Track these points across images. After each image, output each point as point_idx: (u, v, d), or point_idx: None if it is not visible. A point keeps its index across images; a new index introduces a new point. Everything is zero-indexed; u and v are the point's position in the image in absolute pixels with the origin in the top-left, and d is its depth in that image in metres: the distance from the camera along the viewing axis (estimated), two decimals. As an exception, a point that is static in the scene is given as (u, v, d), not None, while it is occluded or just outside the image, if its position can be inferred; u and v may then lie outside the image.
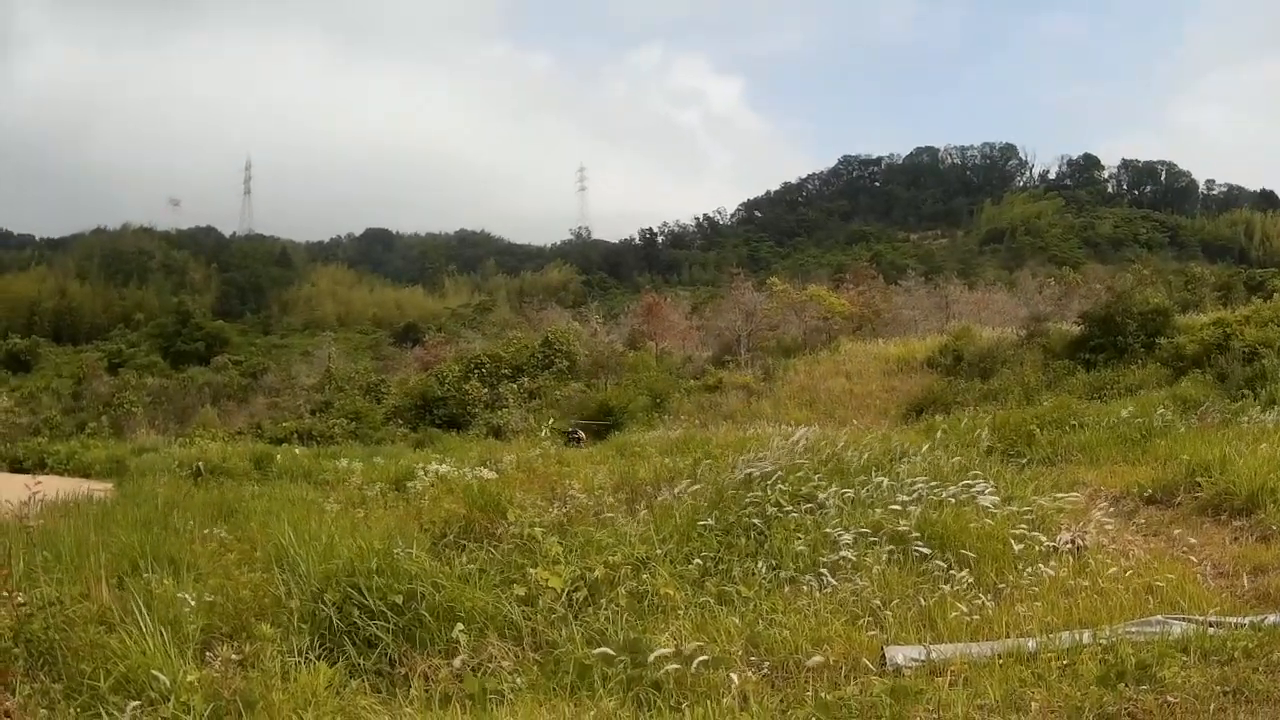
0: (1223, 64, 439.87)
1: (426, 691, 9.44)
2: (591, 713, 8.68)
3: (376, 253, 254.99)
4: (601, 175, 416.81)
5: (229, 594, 12.21)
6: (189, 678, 9.01)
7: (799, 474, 16.76)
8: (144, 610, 10.26)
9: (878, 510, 14.91)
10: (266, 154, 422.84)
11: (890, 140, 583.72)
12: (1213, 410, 31.58)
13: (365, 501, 23.45)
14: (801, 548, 13.46)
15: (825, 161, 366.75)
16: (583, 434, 18.90)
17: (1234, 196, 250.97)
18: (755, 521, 14.61)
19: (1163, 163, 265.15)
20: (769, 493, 15.59)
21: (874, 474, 17.03)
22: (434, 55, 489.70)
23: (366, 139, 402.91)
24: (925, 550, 13.20)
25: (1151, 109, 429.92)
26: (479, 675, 9.79)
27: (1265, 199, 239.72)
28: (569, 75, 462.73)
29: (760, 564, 13.11)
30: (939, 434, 25.12)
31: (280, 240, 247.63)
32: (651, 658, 9.44)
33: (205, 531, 18.02)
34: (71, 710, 8.94)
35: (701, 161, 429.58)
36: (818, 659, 9.74)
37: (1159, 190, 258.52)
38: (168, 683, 8.92)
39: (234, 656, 10.02)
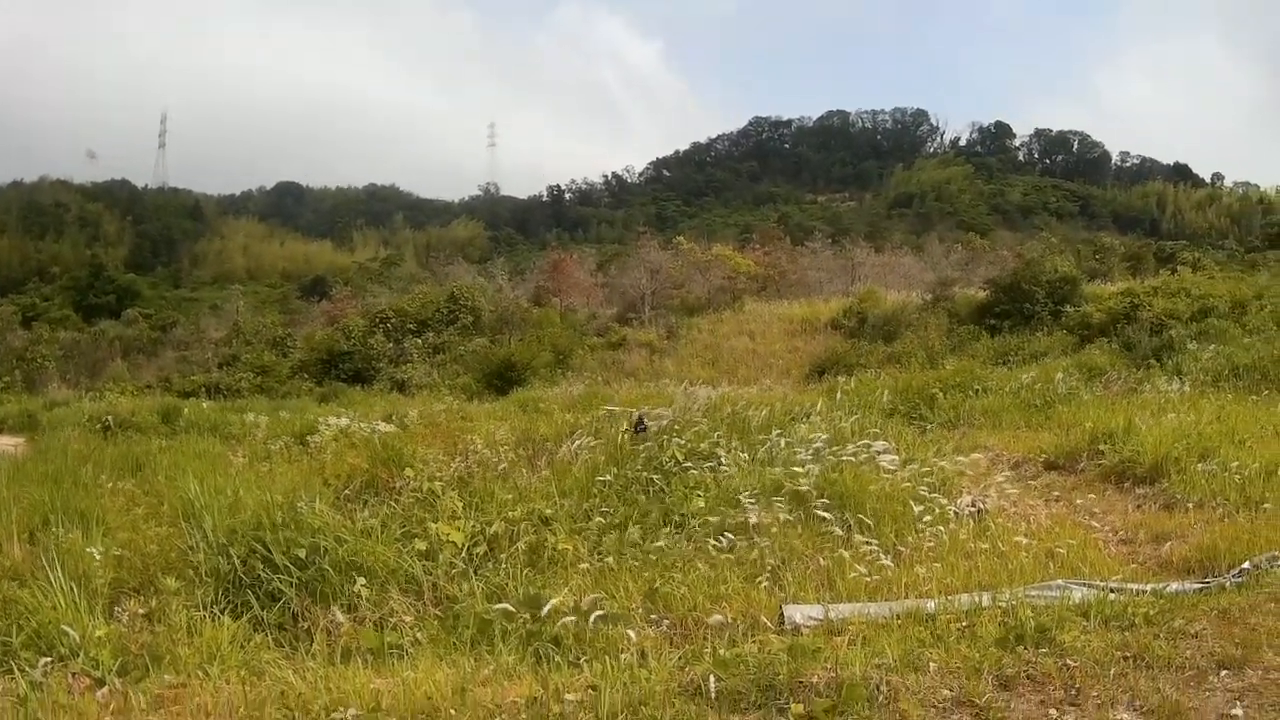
0: (1148, 38, 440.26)
1: (329, 646, 9.43)
2: (490, 667, 8.66)
3: (287, 206, 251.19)
4: (517, 132, 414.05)
5: (137, 548, 12.43)
6: (98, 632, 9.08)
7: (698, 430, 16.92)
8: (54, 566, 10.23)
9: (778, 469, 14.99)
10: (183, 105, 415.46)
11: (806, 104, 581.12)
12: (1118, 379, 32.02)
13: (270, 456, 23.48)
14: (700, 505, 13.54)
15: (741, 122, 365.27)
16: (648, 423, 18.94)
17: (1147, 169, 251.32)
18: (654, 478, 14.72)
19: (1075, 132, 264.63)
20: (668, 449, 15.69)
21: (774, 433, 17.14)
22: (354, 5, 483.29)
23: (283, 91, 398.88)
24: (825, 511, 13.23)
25: (1074, 80, 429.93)
26: (380, 630, 9.82)
27: (1178, 172, 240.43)
28: (488, 30, 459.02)
29: (659, 520, 13.17)
30: (840, 395, 25.27)
31: (193, 193, 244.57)
32: (545, 610, 9.52)
33: (114, 486, 18.15)
34: (-16, 667, 8.85)
35: (617, 120, 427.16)
36: (718, 618, 9.83)
37: (1071, 160, 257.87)
38: (77, 638, 8.94)
39: (141, 611, 10.04)
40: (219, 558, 11.05)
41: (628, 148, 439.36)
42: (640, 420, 18.37)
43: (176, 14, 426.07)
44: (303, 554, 10.91)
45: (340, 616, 10.01)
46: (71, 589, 9.80)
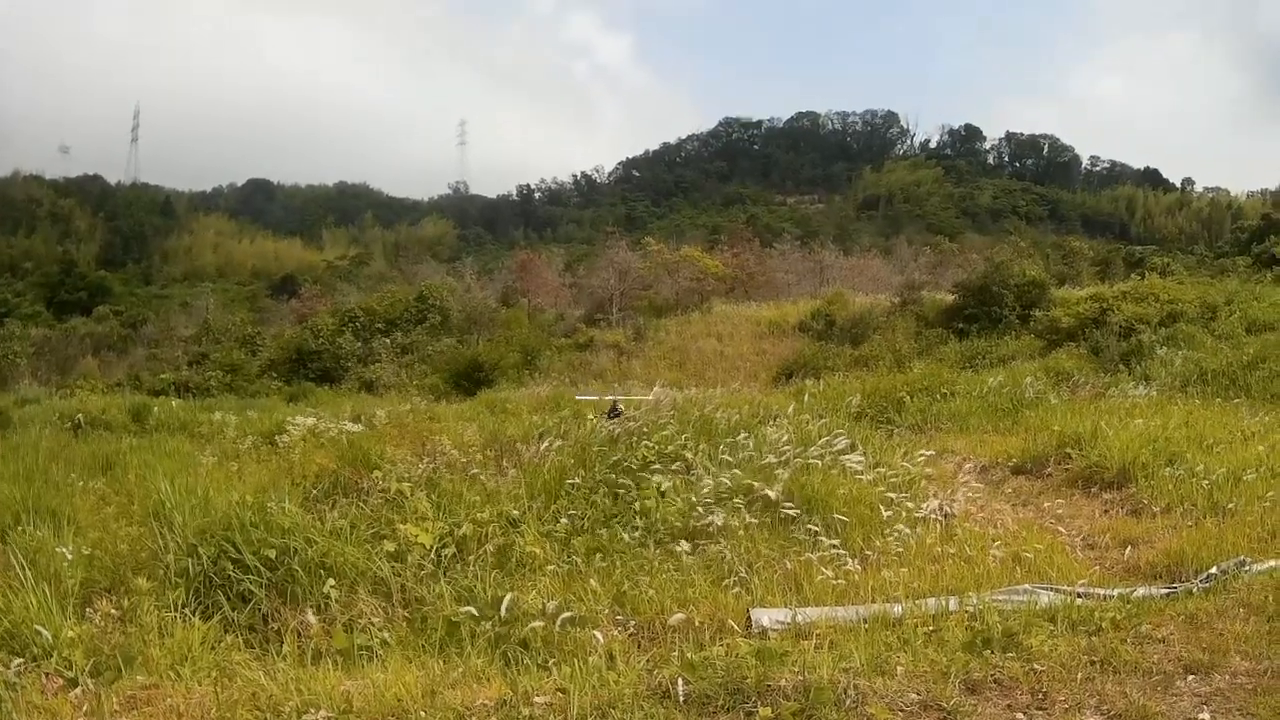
0: (1122, 41, 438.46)
1: (299, 647, 9.45)
2: (460, 669, 8.64)
3: (258, 202, 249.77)
4: (488, 130, 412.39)
5: (107, 547, 12.49)
6: (70, 633, 9.07)
7: (666, 433, 16.84)
8: (25, 566, 10.23)
9: (746, 472, 14.86)
10: (156, 100, 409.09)
11: (777, 104, 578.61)
12: (1086, 383, 32.23)
13: (239, 455, 23.66)
14: (668, 508, 13.49)
15: (711, 122, 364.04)
16: (622, 408, 19.24)
17: (1117, 173, 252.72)
18: (622, 480, 14.63)
19: (1046, 136, 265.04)
20: (636, 450, 15.65)
21: (742, 436, 17.03)
22: (327, 2, 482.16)
23: (255, 86, 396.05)
24: (793, 513, 13.24)
25: (1046, 82, 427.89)
26: (350, 632, 9.80)
27: (1148, 176, 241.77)
28: (459, 26, 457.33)
29: (627, 524, 13.13)
30: (808, 397, 25.35)
31: (164, 189, 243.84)
32: (504, 610, 9.62)
33: (85, 484, 18.33)
34: (-42, 668, 8.84)
35: (588, 118, 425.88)
36: (679, 616, 9.83)
37: (1041, 163, 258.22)
38: (50, 638, 8.93)
39: (113, 611, 10.01)
40: (189, 558, 10.96)
41: (598, 145, 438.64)
42: (614, 407, 18.45)
43: (151, 7, 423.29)
44: (272, 555, 10.84)
45: (310, 618, 9.97)
46: (43, 589, 9.77)
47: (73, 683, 8.35)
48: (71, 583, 10.66)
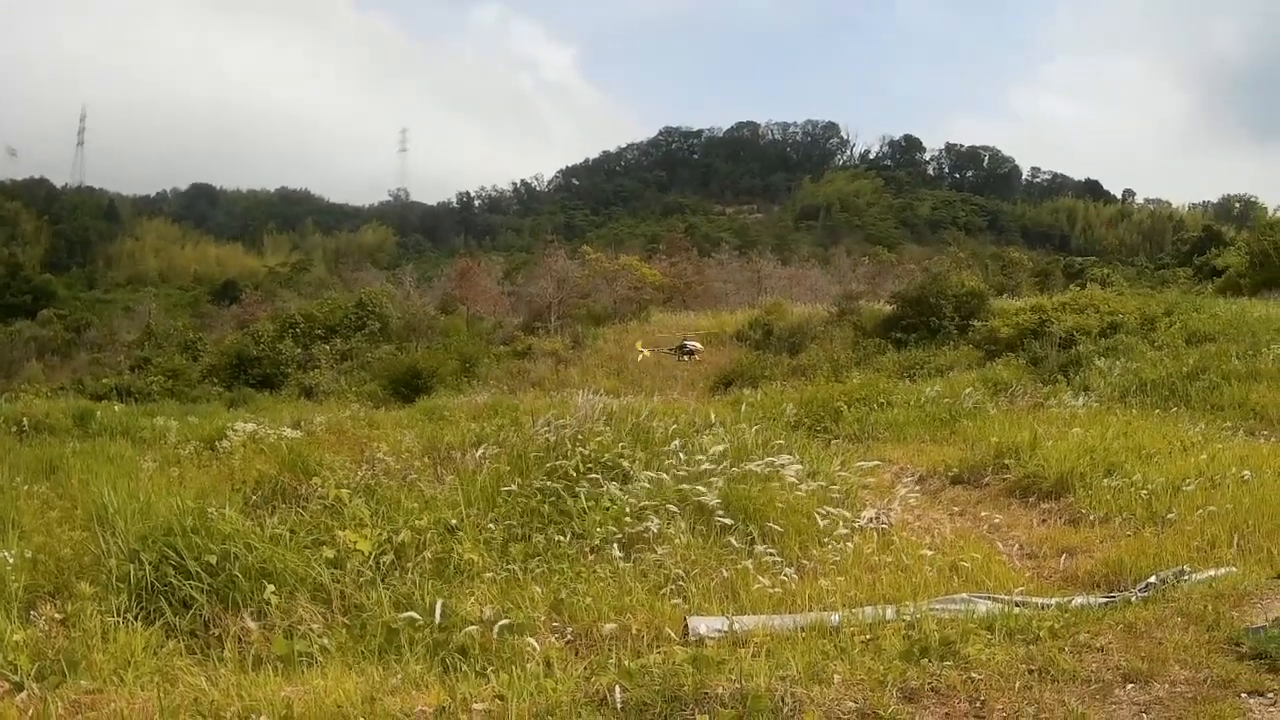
0: (1066, 57, 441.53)
1: (240, 653, 9.41)
2: (399, 676, 8.70)
3: (200, 207, 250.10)
4: (429, 138, 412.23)
5: (51, 552, 12.39)
6: (15, 637, 9.00)
7: (602, 440, 16.74)
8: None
9: (682, 481, 14.85)
10: (104, 104, 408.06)
11: (719, 115, 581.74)
12: (1024, 393, 32.21)
13: (180, 460, 23.55)
14: (604, 515, 13.48)
15: (652, 132, 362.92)
16: (698, 346, 18.28)
17: (1058, 184, 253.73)
18: (558, 488, 14.56)
19: (986, 148, 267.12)
20: (572, 459, 15.52)
21: (679, 444, 16.98)
22: (273, 9, 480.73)
23: (200, 92, 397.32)
24: (729, 521, 13.29)
25: (994, 97, 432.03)
26: (290, 638, 9.78)
27: (1090, 188, 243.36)
28: (404, 34, 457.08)
29: (564, 531, 13.10)
30: (745, 407, 25.37)
31: (108, 193, 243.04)
32: (437, 616, 9.72)
33: (29, 488, 18.22)
34: (-99, 675, 8.81)
35: (533, 127, 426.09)
36: (611, 626, 9.94)
37: (981, 175, 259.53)
38: (-5, 641, 8.85)
39: (56, 615, 9.97)
40: (131, 564, 10.92)
41: (540, 155, 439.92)
42: (684, 344, 18.47)
43: (98, 12, 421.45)
44: (213, 560, 10.78)
45: (251, 624, 9.99)
46: (-13, 592, 9.74)
47: (18, 686, 8.32)
48: (15, 586, 10.62)
